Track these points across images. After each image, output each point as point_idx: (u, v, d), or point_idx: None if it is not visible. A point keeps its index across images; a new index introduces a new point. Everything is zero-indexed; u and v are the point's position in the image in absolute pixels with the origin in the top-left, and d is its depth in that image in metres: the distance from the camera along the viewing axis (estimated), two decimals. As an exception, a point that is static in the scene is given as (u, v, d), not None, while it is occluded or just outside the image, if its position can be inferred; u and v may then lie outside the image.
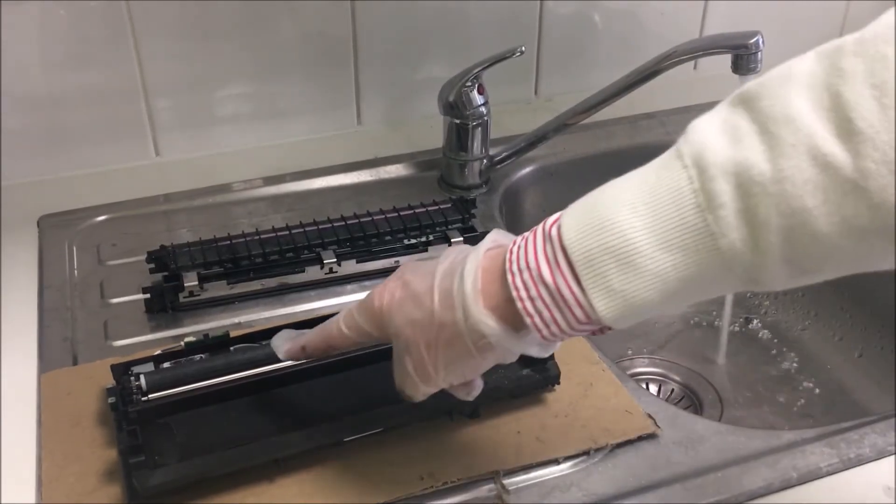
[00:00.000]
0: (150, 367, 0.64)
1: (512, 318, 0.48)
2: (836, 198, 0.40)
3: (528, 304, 0.46)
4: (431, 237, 0.82)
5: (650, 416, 0.64)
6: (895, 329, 0.90)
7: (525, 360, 0.66)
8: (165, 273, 0.77)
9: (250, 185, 0.95)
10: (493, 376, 0.65)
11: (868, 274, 0.85)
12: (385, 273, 0.81)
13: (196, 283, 0.76)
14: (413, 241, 0.82)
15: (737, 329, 0.99)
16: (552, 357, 0.65)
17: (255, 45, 0.98)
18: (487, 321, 0.48)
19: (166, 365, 0.64)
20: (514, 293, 0.47)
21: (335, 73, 1.03)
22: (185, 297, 0.76)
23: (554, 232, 0.47)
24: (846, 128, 0.39)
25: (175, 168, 0.99)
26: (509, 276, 0.47)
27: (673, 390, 0.93)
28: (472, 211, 0.85)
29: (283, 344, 0.59)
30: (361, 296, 0.77)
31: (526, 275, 0.47)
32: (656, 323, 1.00)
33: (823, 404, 0.90)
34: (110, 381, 0.62)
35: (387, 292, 0.53)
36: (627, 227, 0.44)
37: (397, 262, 0.81)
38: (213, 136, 1.02)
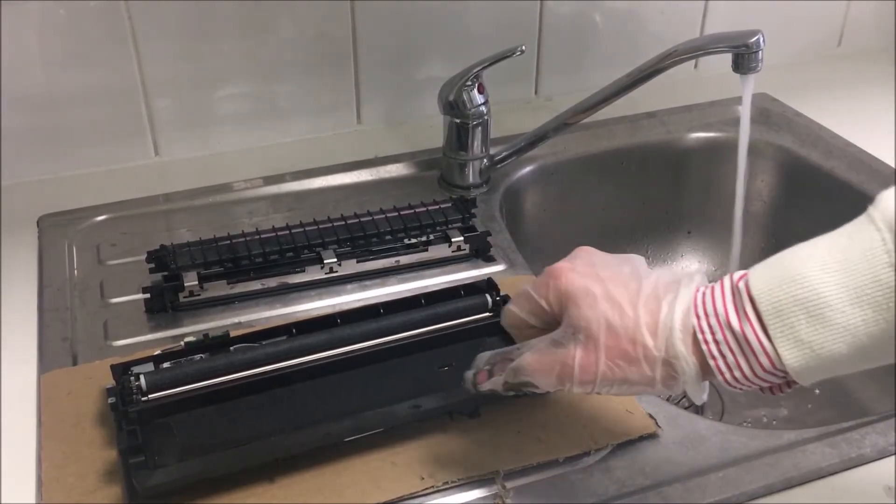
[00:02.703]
0: (149, 367, 0.64)
1: (699, 363, 0.49)
2: None
3: (713, 348, 0.48)
4: (431, 237, 0.82)
5: (651, 416, 0.64)
6: (895, 328, 0.90)
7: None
8: (165, 273, 0.77)
9: (250, 184, 0.95)
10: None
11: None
12: (385, 273, 0.81)
13: (196, 282, 0.76)
14: (413, 240, 0.82)
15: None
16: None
17: (255, 45, 0.98)
18: (689, 360, 0.49)
19: (166, 365, 0.64)
20: (700, 336, 0.48)
21: (335, 72, 1.03)
22: (185, 297, 0.76)
23: (741, 285, 0.48)
24: None
25: (175, 168, 0.99)
26: (694, 320, 0.49)
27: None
28: (473, 210, 0.85)
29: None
30: (361, 295, 0.78)
31: (713, 320, 0.48)
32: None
33: (824, 404, 0.90)
34: (110, 381, 0.62)
35: (577, 278, 0.52)
36: (818, 281, 0.45)
37: (398, 261, 0.81)
38: (213, 135, 1.02)
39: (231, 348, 0.66)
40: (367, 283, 0.80)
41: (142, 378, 0.61)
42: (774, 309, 0.46)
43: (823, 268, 0.46)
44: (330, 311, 0.73)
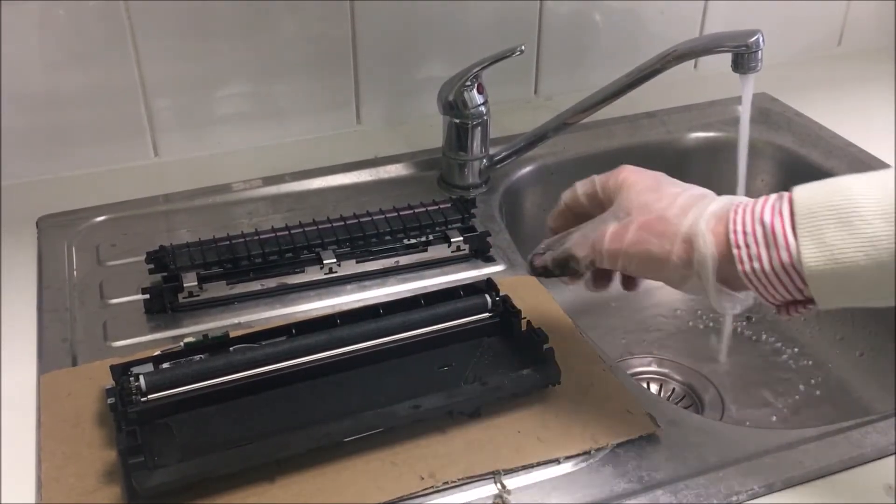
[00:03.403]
0: (149, 367, 0.64)
1: (723, 261, 0.52)
2: None
3: (740, 238, 0.50)
4: (431, 237, 0.82)
5: (651, 416, 0.64)
6: (895, 328, 0.90)
7: (526, 360, 0.66)
8: (165, 273, 0.77)
9: (250, 185, 0.95)
10: (493, 376, 0.65)
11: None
12: (385, 273, 0.81)
13: (195, 283, 0.76)
14: (413, 240, 0.82)
15: (738, 328, 0.99)
16: (553, 357, 0.65)
17: (254, 45, 0.98)
18: (706, 238, 0.52)
19: (166, 365, 0.64)
20: (731, 225, 0.51)
21: (335, 72, 1.03)
22: (184, 298, 0.76)
23: (785, 194, 0.50)
24: None
25: (174, 168, 0.99)
26: (731, 213, 0.52)
27: (674, 389, 0.93)
28: (472, 210, 0.85)
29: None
30: (361, 295, 0.78)
31: (748, 215, 0.51)
32: (658, 321, 1.00)
33: (824, 403, 0.90)
34: (110, 382, 0.62)
35: (636, 173, 0.59)
36: (857, 193, 0.47)
37: (397, 261, 0.81)
38: (213, 136, 1.02)
39: (231, 349, 0.66)
40: (367, 283, 0.80)
41: (141, 378, 0.61)
42: (808, 210, 0.48)
43: (867, 185, 0.48)
44: (329, 311, 0.73)
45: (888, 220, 0.46)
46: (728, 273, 0.52)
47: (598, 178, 0.60)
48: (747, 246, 0.50)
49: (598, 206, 0.60)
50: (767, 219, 0.50)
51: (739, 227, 0.51)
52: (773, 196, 0.51)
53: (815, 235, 0.48)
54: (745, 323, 1.00)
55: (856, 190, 0.48)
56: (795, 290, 0.50)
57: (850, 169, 0.98)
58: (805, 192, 0.49)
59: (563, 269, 0.62)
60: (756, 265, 0.50)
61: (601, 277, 0.63)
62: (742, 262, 0.50)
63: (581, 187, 0.62)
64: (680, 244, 0.53)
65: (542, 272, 0.63)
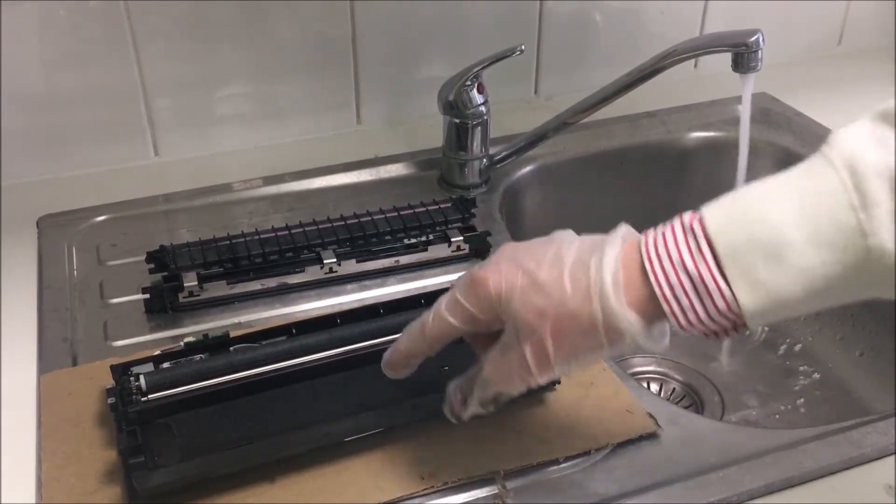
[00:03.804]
0: (149, 367, 0.64)
1: (648, 312, 0.48)
2: None
3: (668, 292, 0.47)
4: (431, 237, 0.82)
5: (651, 416, 0.64)
6: (895, 328, 0.90)
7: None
8: (165, 273, 0.77)
9: (250, 185, 0.95)
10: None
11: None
12: (385, 273, 0.81)
13: (196, 283, 0.76)
14: (413, 240, 0.82)
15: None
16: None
17: (254, 45, 0.98)
18: (628, 316, 0.48)
19: (166, 365, 0.64)
20: (653, 279, 0.47)
21: (335, 72, 1.03)
22: (184, 298, 0.76)
23: (696, 225, 0.47)
24: None
25: (174, 168, 0.99)
26: (647, 264, 0.47)
27: (674, 389, 0.93)
28: (472, 210, 0.85)
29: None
30: (362, 295, 0.78)
31: (667, 263, 0.47)
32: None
33: (825, 403, 0.90)
34: (110, 382, 0.62)
35: (503, 279, 0.51)
36: (778, 221, 0.44)
37: (397, 261, 0.81)
38: (213, 136, 1.02)
39: (231, 348, 0.66)
40: (367, 283, 0.80)
41: (141, 378, 0.61)
42: (731, 249, 0.45)
43: (781, 208, 0.45)
44: (330, 311, 0.73)
45: (817, 245, 0.44)
46: (646, 307, 0.48)
47: (467, 304, 0.53)
48: (677, 299, 0.47)
49: (485, 328, 0.54)
50: (691, 267, 0.46)
51: (663, 280, 0.47)
52: (680, 229, 0.47)
53: (745, 276, 0.45)
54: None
55: (774, 218, 0.45)
56: (731, 327, 0.48)
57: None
58: (719, 225, 0.46)
59: (497, 405, 0.56)
60: (691, 317, 0.47)
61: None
62: (676, 316, 0.47)
63: (457, 317, 0.54)
64: (605, 333, 0.49)
65: (470, 417, 0.57)
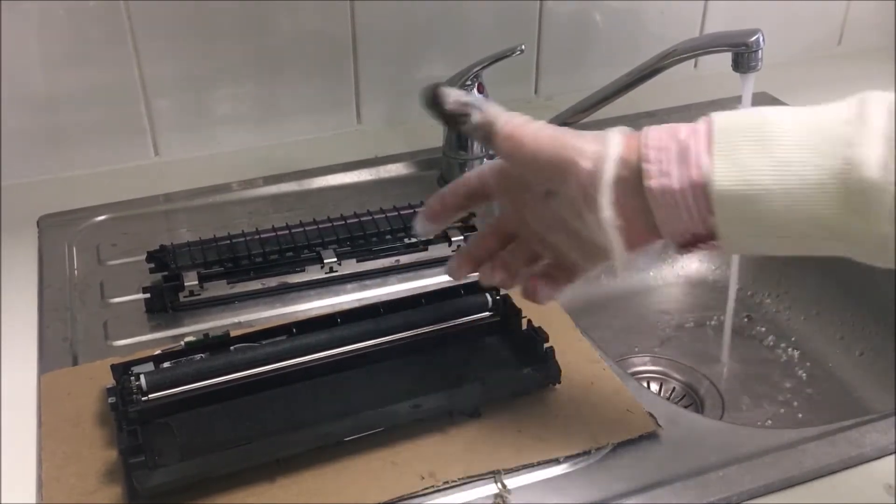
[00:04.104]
0: (150, 366, 0.64)
1: (624, 181, 0.49)
2: None
3: (652, 153, 0.48)
4: (432, 236, 0.82)
5: (651, 415, 0.64)
6: (895, 327, 0.90)
7: (526, 359, 0.66)
8: (165, 273, 0.77)
9: (250, 184, 0.95)
10: (493, 375, 0.65)
11: (870, 272, 0.85)
12: (385, 272, 0.81)
13: (196, 282, 0.76)
14: (413, 239, 0.82)
15: (738, 327, 0.99)
16: (553, 356, 0.65)
17: (254, 44, 0.98)
18: (615, 140, 0.50)
19: (166, 365, 0.64)
20: (643, 139, 0.49)
21: (335, 72, 1.03)
22: (185, 297, 0.76)
23: (703, 118, 0.49)
24: None
25: (175, 168, 0.99)
26: (645, 129, 0.49)
27: (674, 389, 0.93)
28: (472, 210, 0.85)
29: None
30: (362, 295, 0.78)
31: (663, 132, 0.49)
32: (657, 321, 1.00)
33: (824, 403, 0.90)
34: (110, 381, 0.62)
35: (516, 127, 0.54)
36: (774, 119, 0.47)
37: (397, 260, 0.81)
38: (213, 135, 1.02)
39: (231, 348, 0.66)
40: (367, 282, 0.80)
41: (142, 378, 0.61)
42: (725, 130, 0.47)
43: (783, 114, 0.47)
44: (330, 310, 0.73)
45: (801, 147, 0.45)
46: (627, 193, 0.49)
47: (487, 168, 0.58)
48: (658, 161, 0.48)
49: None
50: (683, 135, 0.48)
51: (652, 143, 0.48)
52: (691, 123, 0.50)
53: (728, 154, 0.46)
54: (745, 322, 1.00)
55: (771, 116, 0.47)
56: (699, 219, 0.48)
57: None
58: (724, 115, 0.48)
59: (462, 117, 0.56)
60: (664, 181, 0.47)
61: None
62: (650, 177, 0.47)
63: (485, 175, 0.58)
64: (590, 137, 0.50)
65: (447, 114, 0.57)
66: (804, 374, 0.93)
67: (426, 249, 0.82)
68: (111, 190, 0.93)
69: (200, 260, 0.76)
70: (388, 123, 1.08)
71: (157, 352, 0.66)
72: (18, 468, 0.61)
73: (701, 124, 0.48)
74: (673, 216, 0.48)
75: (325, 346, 0.66)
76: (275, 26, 0.98)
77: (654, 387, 0.93)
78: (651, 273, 1.04)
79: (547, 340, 0.65)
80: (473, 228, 0.83)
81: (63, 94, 0.93)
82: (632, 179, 0.49)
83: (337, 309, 0.73)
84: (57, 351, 0.72)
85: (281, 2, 0.96)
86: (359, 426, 0.61)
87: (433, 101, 0.56)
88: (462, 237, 0.82)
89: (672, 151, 0.48)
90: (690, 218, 0.48)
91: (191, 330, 0.74)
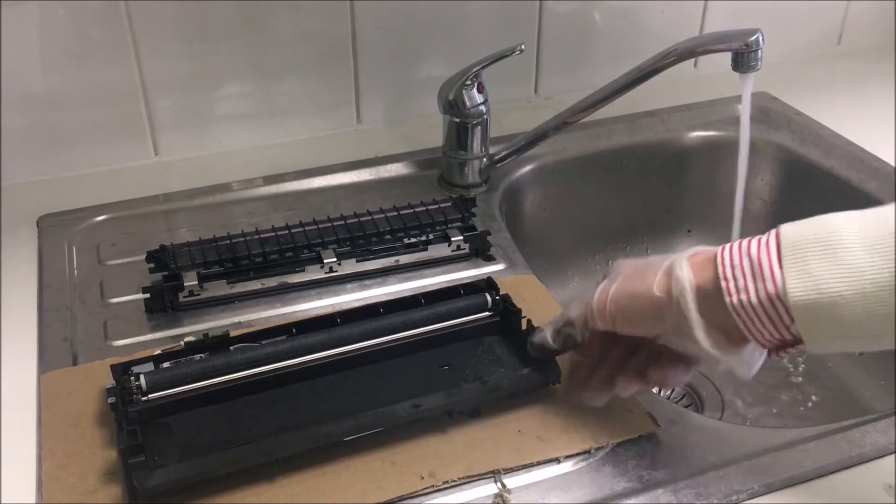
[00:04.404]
0: (149, 366, 0.64)
1: (706, 297, 0.52)
2: None
3: (728, 271, 0.51)
4: (431, 236, 0.82)
5: (651, 415, 0.64)
6: (895, 327, 0.90)
7: (526, 359, 0.66)
8: (165, 273, 0.77)
9: (250, 184, 0.95)
10: (493, 375, 0.65)
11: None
12: (385, 272, 0.81)
13: (196, 282, 0.76)
14: (413, 239, 0.82)
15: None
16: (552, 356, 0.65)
17: (254, 44, 0.98)
18: (683, 267, 0.53)
19: (166, 365, 0.64)
20: (720, 259, 0.52)
21: (335, 72, 1.03)
22: (184, 297, 0.76)
23: (773, 231, 0.51)
24: None
25: (174, 168, 0.99)
26: (719, 249, 0.52)
27: (674, 389, 0.93)
28: (472, 210, 0.85)
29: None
30: (362, 294, 0.78)
31: (735, 250, 0.51)
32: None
33: (824, 402, 0.90)
34: (110, 381, 0.62)
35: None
36: (840, 226, 0.49)
37: (397, 260, 0.81)
38: (213, 135, 1.02)
39: (231, 348, 0.66)
40: (367, 282, 0.80)
41: (142, 378, 0.61)
42: (793, 243, 0.49)
43: (848, 219, 0.49)
44: (330, 310, 0.73)
45: (872, 251, 0.47)
46: (713, 309, 0.52)
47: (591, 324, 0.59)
48: (734, 279, 0.50)
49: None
50: (754, 252, 0.50)
51: (727, 261, 0.51)
52: (760, 235, 0.52)
53: (799, 267, 0.48)
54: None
55: (838, 224, 0.49)
56: (783, 327, 0.50)
57: (850, 167, 0.98)
58: (791, 227, 0.50)
59: (562, 339, 0.62)
60: (743, 297, 0.50)
61: (596, 345, 0.61)
62: (730, 294, 0.50)
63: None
64: (660, 276, 0.54)
65: (539, 349, 0.64)
66: (804, 374, 0.93)
67: (426, 249, 0.82)
68: (111, 190, 0.93)
69: (200, 260, 0.76)
70: (388, 123, 1.08)
71: (157, 352, 0.66)
72: (18, 468, 0.61)
73: (770, 237, 0.51)
74: (756, 326, 0.51)
75: (325, 346, 0.66)
76: (275, 26, 0.98)
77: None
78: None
79: (547, 340, 0.65)
80: (473, 228, 0.83)
81: (63, 94, 0.93)
82: (714, 298, 0.52)
83: (337, 309, 0.73)
84: (57, 351, 0.72)
85: (281, 2, 0.96)
86: (358, 426, 0.61)
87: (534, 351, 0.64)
88: (461, 237, 0.82)
89: (745, 267, 0.50)
90: (774, 326, 0.50)
91: (191, 330, 0.74)
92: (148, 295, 0.76)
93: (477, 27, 1.06)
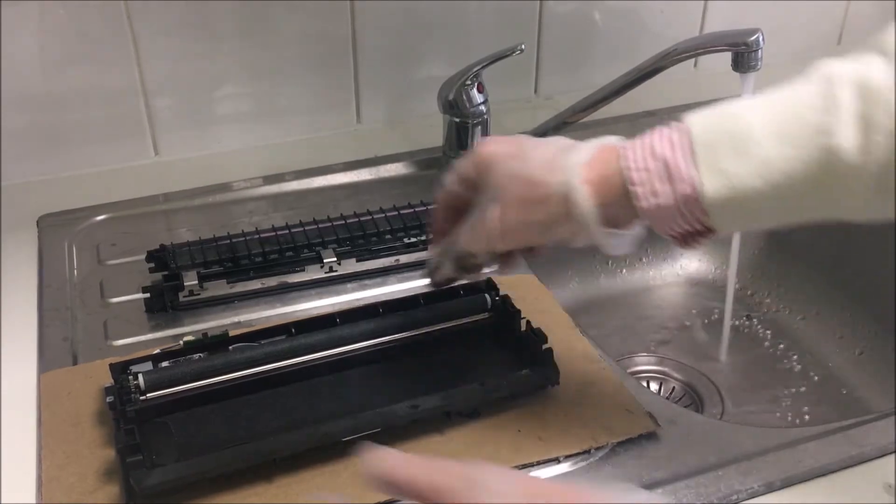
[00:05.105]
0: (148, 366, 0.64)
1: (613, 198, 0.51)
2: None
3: (636, 175, 0.50)
4: (431, 236, 0.82)
5: (651, 415, 0.64)
6: (895, 327, 0.90)
7: (525, 360, 0.66)
8: (165, 272, 0.77)
9: (250, 184, 0.95)
10: (492, 376, 0.65)
11: (869, 272, 0.85)
12: (385, 272, 0.81)
13: (196, 282, 0.76)
14: (413, 239, 0.82)
15: (738, 327, 0.99)
16: (552, 357, 0.65)
17: (254, 44, 0.98)
18: (581, 189, 0.51)
19: (165, 364, 0.64)
20: (625, 163, 0.50)
21: (335, 71, 1.03)
22: (184, 297, 0.76)
23: (677, 123, 0.51)
24: None
25: (174, 167, 0.99)
26: (622, 151, 0.51)
27: (674, 388, 0.93)
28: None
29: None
30: (361, 294, 0.78)
31: (640, 151, 0.50)
32: (657, 320, 1.00)
33: (824, 402, 0.90)
34: (109, 381, 0.62)
35: (494, 145, 0.57)
36: (749, 118, 0.48)
37: (397, 260, 0.81)
38: (213, 135, 1.02)
39: (230, 347, 0.66)
40: (367, 282, 0.80)
41: (140, 377, 0.61)
42: (703, 138, 0.49)
43: (755, 109, 0.49)
44: (329, 310, 0.73)
45: (779, 139, 0.47)
46: (615, 214, 0.52)
47: (460, 165, 0.59)
48: (643, 183, 0.50)
49: (473, 190, 0.58)
50: (668, 153, 0.49)
51: (633, 164, 0.50)
52: (665, 129, 0.51)
53: (712, 165, 0.48)
54: (745, 321, 1.00)
55: (746, 114, 0.49)
56: (695, 221, 0.50)
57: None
58: (699, 122, 0.50)
59: (465, 269, 0.62)
60: (655, 201, 0.49)
61: (506, 259, 0.62)
62: (642, 200, 0.50)
63: (451, 179, 0.60)
64: (556, 206, 0.53)
65: (445, 282, 0.64)
66: (804, 374, 0.93)
67: (426, 249, 0.82)
68: (111, 190, 0.93)
69: (200, 260, 0.76)
70: (387, 123, 1.08)
71: (156, 351, 0.66)
72: (18, 468, 0.61)
73: (676, 134, 0.50)
74: (668, 224, 0.51)
75: (324, 346, 0.66)
76: (275, 26, 0.98)
77: (654, 386, 0.93)
78: (651, 273, 1.04)
79: (546, 342, 0.65)
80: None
81: (63, 93, 0.93)
82: (618, 202, 0.51)
83: (336, 308, 0.73)
84: (57, 350, 0.72)
85: (281, 2, 0.96)
86: (357, 426, 0.61)
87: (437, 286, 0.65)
88: (462, 237, 0.82)
89: (653, 171, 0.49)
90: (686, 222, 0.50)
91: (191, 329, 0.74)
92: (148, 295, 0.76)
93: (477, 27, 1.06)
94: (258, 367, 0.64)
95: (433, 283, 0.64)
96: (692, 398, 0.92)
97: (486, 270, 0.65)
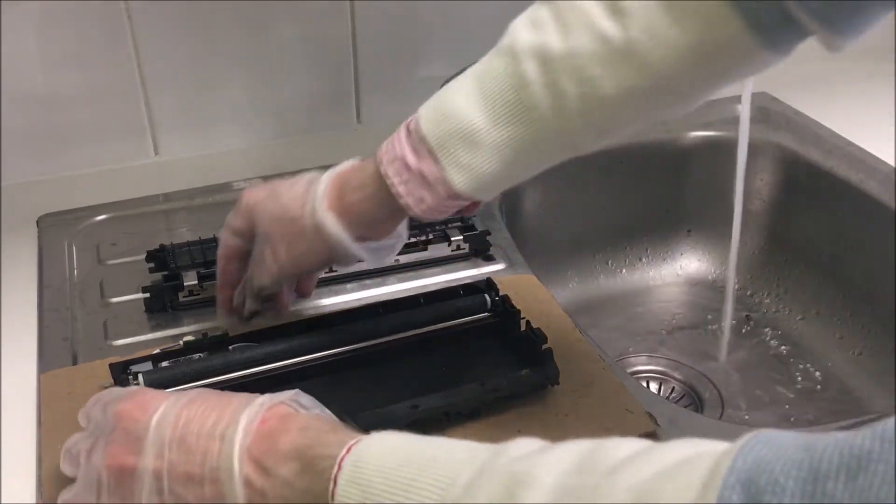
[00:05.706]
0: (148, 366, 0.64)
1: (353, 220, 0.59)
2: (613, 65, 0.50)
3: (402, 188, 0.56)
4: (431, 236, 0.82)
5: (650, 415, 0.64)
6: (895, 327, 0.90)
7: (525, 360, 0.66)
8: (165, 272, 0.77)
9: (250, 184, 0.95)
10: (492, 376, 0.65)
11: (868, 272, 0.85)
12: (385, 272, 0.81)
13: (196, 282, 0.76)
14: (412, 239, 0.82)
15: (738, 327, 0.99)
16: (552, 357, 0.65)
17: (254, 44, 0.98)
18: (327, 217, 0.59)
19: (165, 364, 0.64)
20: (388, 181, 0.57)
21: (335, 72, 1.03)
22: (184, 297, 0.76)
23: (413, 126, 0.57)
24: (614, 7, 0.49)
25: (174, 167, 0.99)
26: (382, 168, 0.57)
27: (674, 388, 0.93)
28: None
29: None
30: (362, 294, 0.78)
31: (398, 164, 0.57)
32: (657, 321, 1.00)
33: (824, 402, 0.90)
34: (110, 381, 0.62)
35: (254, 194, 0.64)
36: (466, 110, 0.54)
37: (397, 260, 0.81)
38: (213, 135, 1.02)
39: (230, 347, 0.66)
40: (367, 282, 0.80)
41: (140, 377, 0.61)
42: (440, 143, 0.55)
43: (467, 98, 0.54)
44: (329, 310, 0.73)
45: (496, 123, 0.53)
46: (365, 228, 0.60)
47: (230, 219, 0.66)
48: (412, 193, 0.56)
49: (250, 236, 0.65)
50: (414, 163, 0.56)
51: (396, 179, 0.56)
52: (404, 133, 0.57)
53: (453, 163, 0.55)
54: (745, 322, 1.00)
55: (463, 109, 0.54)
56: (462, 203, 0.58)
57: (850, 167, 0.98)
58: (429, 124, 0.55)
59: (265, 300, 0.67)
60: (426, 204, 0.56)
61: (278, 298, 0.69)
62: (414, 208, 0.56)
63: (226, 235, 0.66)
64: (313, 235, 0.59)
65: (250, 316, 0.69)
66: (803, 374, 0.93)
67: (426, 249, 0.82)
68: (111, 190, 0.93)
69: (200, 260, 0.76)
70: (388, 123, 1.07)
71: (156, 351, 0.66)
72: (18, 468, 0.61)
73: (416, 141, 0.56)
74: (443, 214, 0.58)
75: (324, 346, 0.66)
76: (275, 25, 0.98)
77: (654, 386, 0.93)
78: (651, 273, 1.05)
79: (546, 342, 0.65)
80: (473, 228, 0.83)
81: (63, 93, 0.93)
82: (352, 222, 0.59)
83: (336, 308, 0.73)
84: (57, 350, 0.72)
85: (281, 1, 0.96)
86: (357, 426, 0.60)
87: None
88: (461, 237, 0.82)
89: (413, 181, 0.56)
90: (455, 207, 0.58)
91: (190, 329, 0.74)
92: (148, 294, 0.76)
93: (477, 27, 1.06)
94: (258, 367, 0.64)
95: (243, 320, 0.69)
96: (692, 398, 0.92)
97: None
